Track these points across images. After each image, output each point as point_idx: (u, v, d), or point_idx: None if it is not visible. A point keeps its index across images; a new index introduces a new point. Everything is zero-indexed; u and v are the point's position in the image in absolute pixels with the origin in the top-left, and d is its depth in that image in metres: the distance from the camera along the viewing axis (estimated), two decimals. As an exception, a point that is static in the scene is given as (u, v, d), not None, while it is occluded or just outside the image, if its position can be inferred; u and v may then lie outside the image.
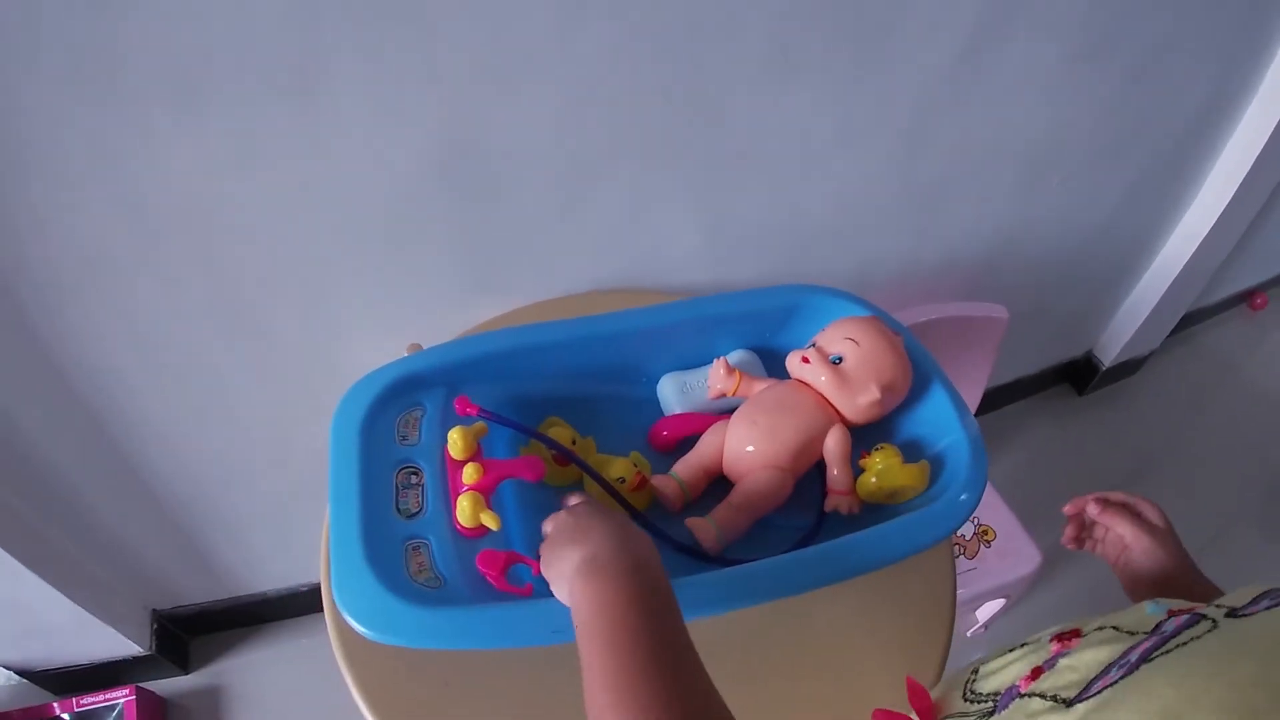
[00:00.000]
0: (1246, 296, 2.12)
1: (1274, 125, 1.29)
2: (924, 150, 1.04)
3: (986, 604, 1.35)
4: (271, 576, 1.29)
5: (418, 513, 0.60)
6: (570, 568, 0.47)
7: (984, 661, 0.51)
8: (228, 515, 1.13)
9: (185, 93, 0.66)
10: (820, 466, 0.69)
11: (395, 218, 0.82)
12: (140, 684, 1.24)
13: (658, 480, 0.67)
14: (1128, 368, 1.91)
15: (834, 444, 0.67)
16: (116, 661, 1.22)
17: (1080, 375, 1.90)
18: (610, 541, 0.48)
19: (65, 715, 1.18)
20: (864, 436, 0.70)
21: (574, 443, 0.70)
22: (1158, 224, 1.52)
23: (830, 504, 0.67)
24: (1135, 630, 0.42)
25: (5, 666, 1.18)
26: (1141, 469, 1.80)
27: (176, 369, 0.90)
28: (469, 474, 0.60)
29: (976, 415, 1.41)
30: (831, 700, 0.67)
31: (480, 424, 0.64)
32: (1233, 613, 0.38)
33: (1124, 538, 0.62)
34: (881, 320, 0.70)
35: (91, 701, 1.19)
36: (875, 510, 0.68)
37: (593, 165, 0.85)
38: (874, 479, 0.65)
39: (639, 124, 0.83)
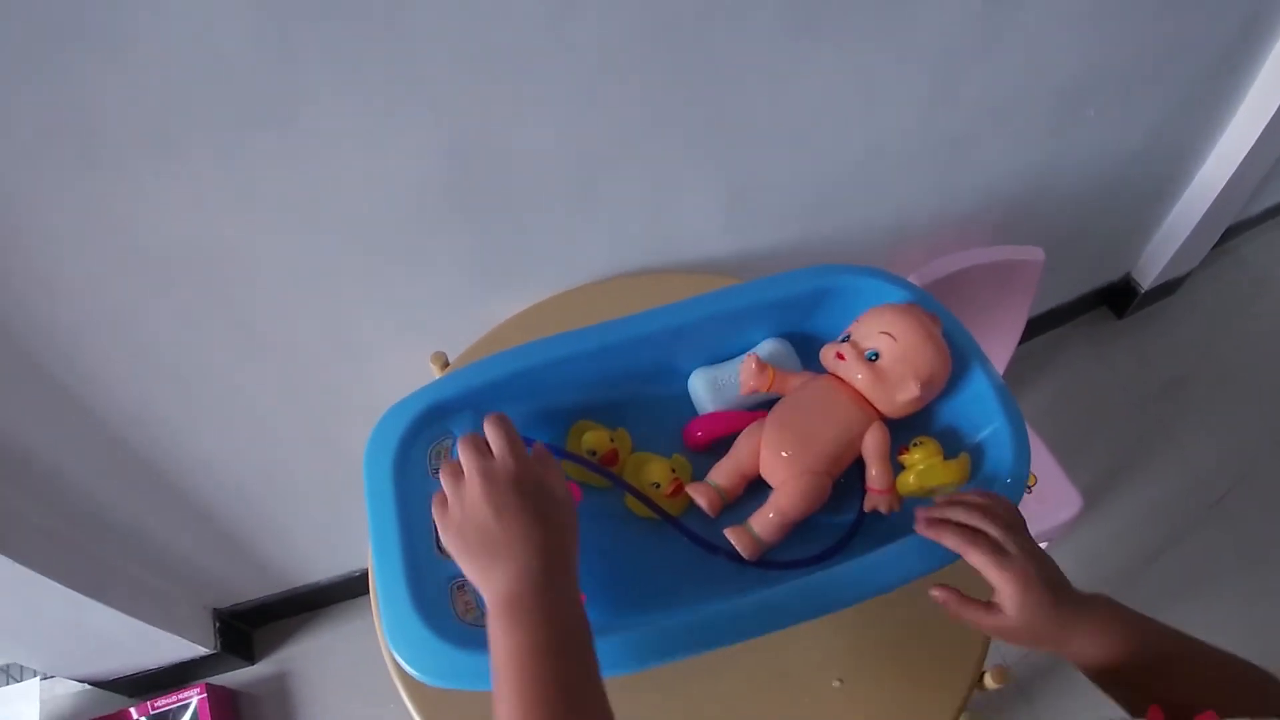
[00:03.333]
0: None
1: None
2: (953, 99, 0.99)
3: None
4: (322, 567, 1.33)
5: (459, 550, 0.60)
6: (489, 593, 0.49)
7: None
8: (275, 520, 1.16)
9: (165, 142, 0.64)
10: (859, 461, 0.68)
11: (402, 231, 0.80)
12: (210, 680, 1.29)
13: (694, 489, 0.66)
14: (1167, 289, 1.86)
15: (872, 443, 0.65)
16: (186, 662, 1.27)
17: (1119, 298, 1.86)
18: (533, 568, 0.48)
19: (143, 718, 1.24)
20: (901, 426, 0.68)
21: (611, 440, 0.69)
22: (1196, 145, 1.45)
23: (870, 503, 0.66)
24: None
25: (79, 679, 1.23)
26: (1177, 394, 1.77)
27: (208, 399, 0.91)
28: (506, 507, 0.59)
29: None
30: (879, 689, 0.68)
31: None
32: None
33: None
34: (919, 308, 0.67)
35: (166, 703, 1.24)
36: (914, 505, 0.66)
37: (604, 151, 0.82)
38: (913, 478, 0.64)
39: (651, 101, 0.79)
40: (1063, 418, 1.71)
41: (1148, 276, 1.77)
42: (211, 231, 0.72)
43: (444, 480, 0.53)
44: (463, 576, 0.59)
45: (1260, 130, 1.37)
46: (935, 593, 0.55)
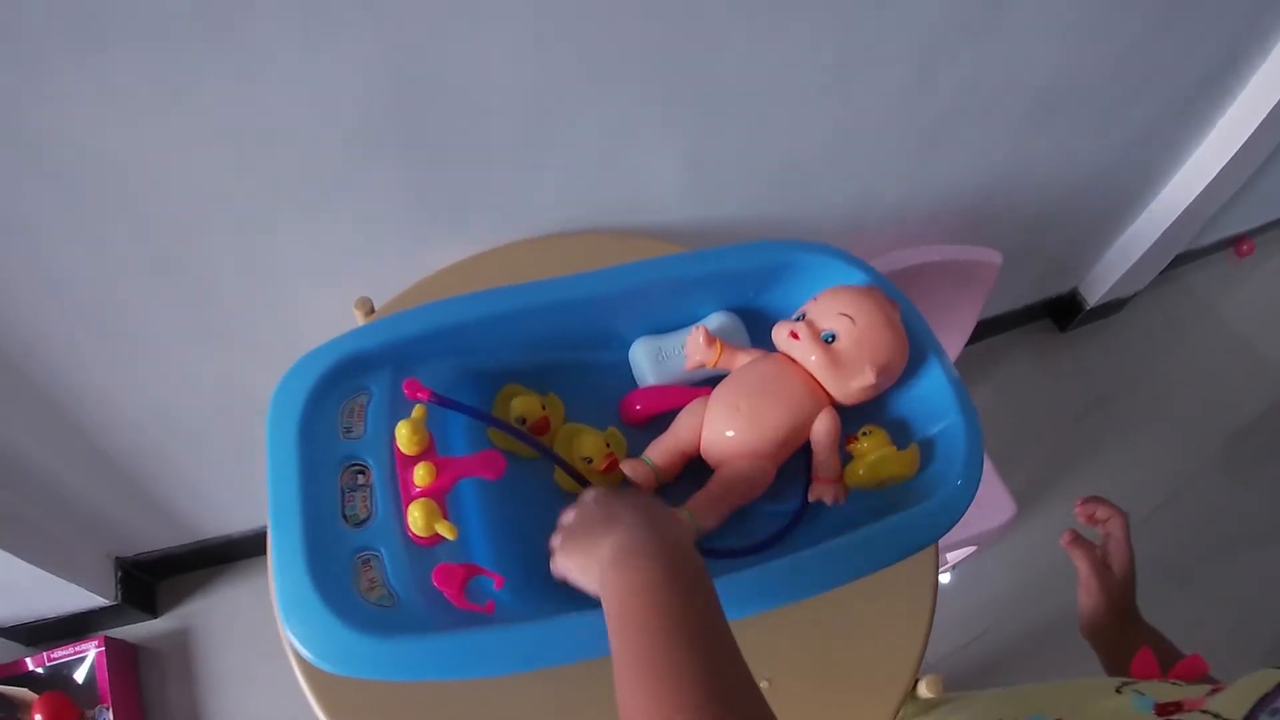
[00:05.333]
0: (1233, 242, 2.12)
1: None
2: (930, 89, 0.96)
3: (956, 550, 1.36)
4: (235, 520, 1.26)
5: (367, 519, 0.55)
6: (601, 556, 0.46)
7: None
8: (182, 466, 1.09)
9: (88, 38, 0.56)
10: (805, 448, 0.64)
11: (337, 160, 0.73)
12: (109, 633, 1.22)
13: (628, 465, 0.62)
14: (1111, 307, 1.90)
15: (822, 430, 0.62)
16: (85, 613, 1.20)
17: (1064, 312, 1.89)
18: (640, 527, 0.46)
19: (38, 669, 1.16)
20: (849, 414, 0.65)
21: (543, 408, 0.64)
22: (1161, 167, 1.47)
23: (815, 493, 0.62)
24: None
25: (-32, 625, 1.15)
26: (1113, 409, 1.82)
27: (110, 328, 0.83)
28: (420, 475, 0.54)
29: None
30: (811, 692, 0.65)
31: (425, 409, 0.58)
32: None
33: (1079, 573, 0.66)
34: (880, 291, 0.63)
35: (62, 654, 1.17)
36: (860, 496, 0.64)
37: (562, 96, 0.75)
38: (864, 470, 0.61)
39: (617, 50, 0.73)
40: (999, 423, 1.73)
41: (1094, 293, 1.79)
42: (124, 137, 0.64)
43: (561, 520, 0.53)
44: (368, 550, 0.54)
45: (1225, 161, 1.39)
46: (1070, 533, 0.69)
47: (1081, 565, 0.66)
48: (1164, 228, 1.55)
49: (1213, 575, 1.61)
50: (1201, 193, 1.46)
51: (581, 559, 0.48)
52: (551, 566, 0.51)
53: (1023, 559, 1.54)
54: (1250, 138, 1.34)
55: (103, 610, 1.21)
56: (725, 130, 0.88)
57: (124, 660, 1.22)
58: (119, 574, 1.22)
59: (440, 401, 0.58)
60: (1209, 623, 1.53)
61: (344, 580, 0.52)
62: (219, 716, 1.24)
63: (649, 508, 0.49)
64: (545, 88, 0.74)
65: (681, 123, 0.84)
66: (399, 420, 0.57)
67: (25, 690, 1.14)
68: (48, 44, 0.56)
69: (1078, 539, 0.67)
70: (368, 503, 0.55)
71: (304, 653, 0.49)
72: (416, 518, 0.53)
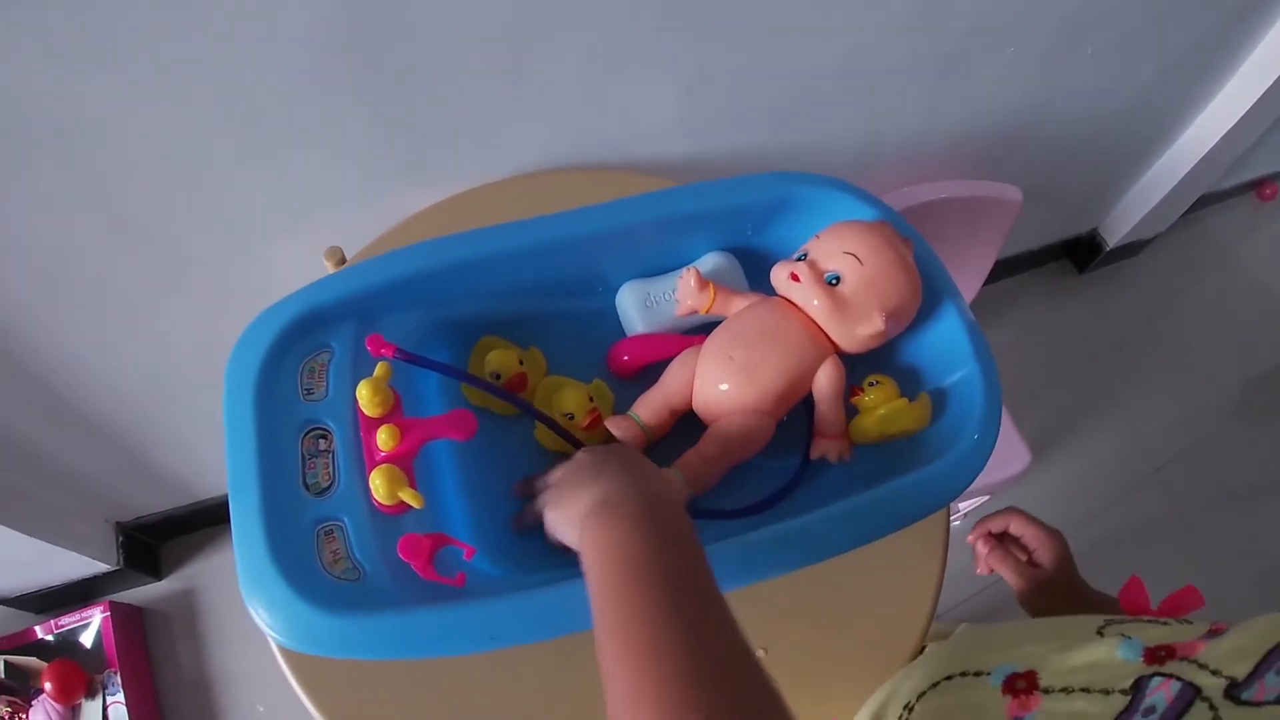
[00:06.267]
0: (1256, 185, 2.03)
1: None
2: (948, 9, 0.88)
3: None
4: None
5: (329, 487, 0.50)
6: (580, 510, 0.44)
7: (914, 690, 0.47)
8: (171, 431, 1.07)
9: None
10: (807, 400, 0.59)
11: (296, 99, 0.67)
12: (114, 598, 1.22)
13: (613, 423, 0.57)
14: (1131, 249, 1.84)
15: (825, 381, 0.56)
16: (89, 579, 1.20)
17: (1083, 253, 1.82)
18: (623, 479, 0.45)
19: (48, 637, 1.16)
20: (855, 361, 0.59)
21: (521, 363, 0.59)
22: (1185, 107, 1.39)
23: (818, 449, 0.57)
24: (1110, 688, 0.36)
25: (-21, 596, 1.15)
26: (1130, 353, 1.77)
27: (83, 295, 0.80)
28: (384, 439, 0.50)
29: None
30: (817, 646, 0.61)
31: (389, 367, 0.53)
32: (1233, 687, 0.31)
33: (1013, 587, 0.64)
34: (889, 227, 0.57)
35: (69, 621, 1.17)
36: (866, 452, 0.58)
37: (540, 15, 0.69)
38: (873, 424, 0.56)
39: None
40: (1013, 367, 1.68)
41: (1114, 235, 1.73)
42: (68, 90, 0.60)
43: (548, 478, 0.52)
44: (331, 520, 0.50)
45: (1251, 103, 1.33)
46: (973, 540, 0.66)
47: (1011, 578, 0.64)
48: (1188, 168, 1.49)
49: (1228, 523, 1.57)
50: (1227, 133, 1.40)
51: (564, 512, 0.46)
52: (545, 525, 0.49)
53: (1037, 506, 1.49)
54: (1275, 82, 1.27)
55: (107, 575, 1.21)
56: (727, 53, 0.81)
57: (130, 624, 1.22)
58: (120, 539, 1.21)
59: (406, 358, 0.53)
60: (1225, 571, 1.51)
61: (306, 553, 0.48)
62: (227, 674, 1.24)
63: (633, 462, 0.47)
64: (517, 8, 0.67)
65: (679, 44, 0.77)
66: (361, 379, 0.52)
67: (34, 659, 1.14)
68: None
69: (991, 554, 0.65)
70: (330, 470, 0.51)
71: (267, 631, 0.46)
72: (379, 485, 0.48)
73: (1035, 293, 1.80)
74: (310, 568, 0.47)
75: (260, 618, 0.46)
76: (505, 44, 0.70)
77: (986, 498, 1.32)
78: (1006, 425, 1.23)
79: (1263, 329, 1.86)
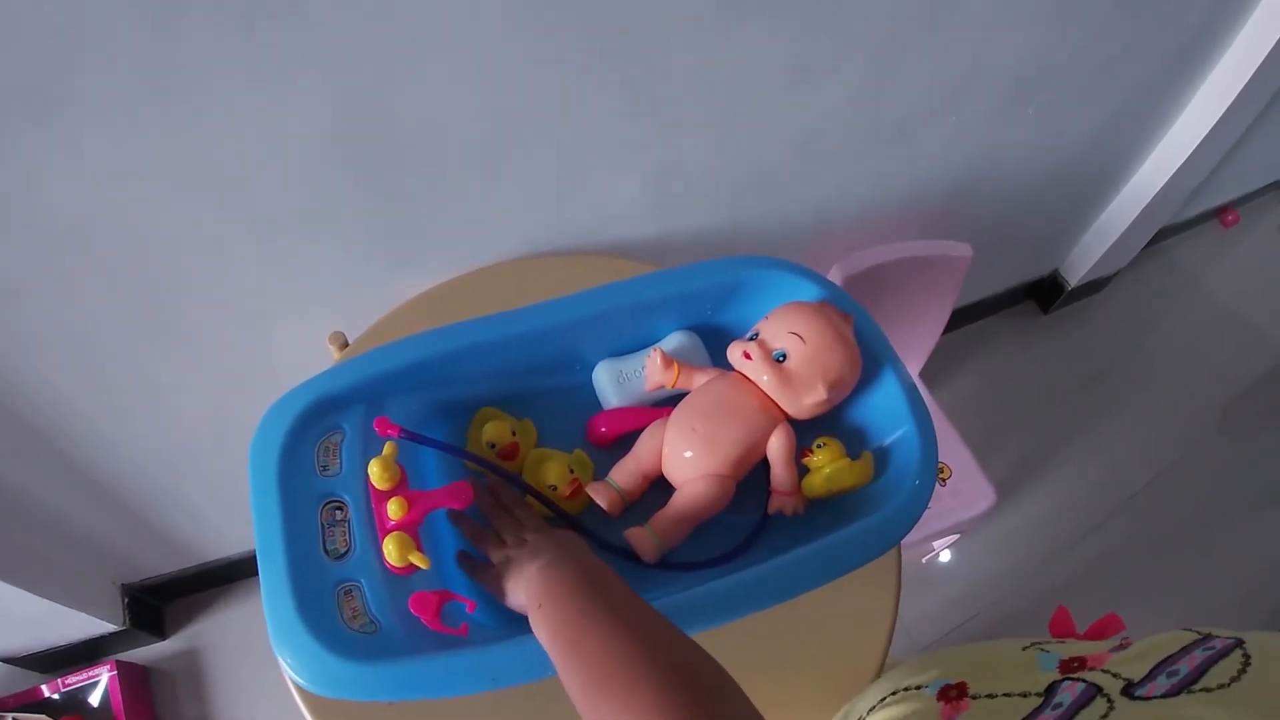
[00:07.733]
0: (1219, 213, 2.09)
1: (1273, 42, 1.22)
2: (891, 83, 0.96)
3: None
4: (232, 542, 1.29)
5: (346, 553, 0.58)
6: (527, 576, 0.54)
7: (866, 706, 0.54)
8: (181, 497, 1.12)
9: (44, 111, 0.59)
10: (765, 461, 0.67)
11: (298, 201, 0.76)
12: (120, 656, 1.25)
13: (593, 489, 0.65)
14: (1094, 286, 1.88)
15: (778, 446, 0.64)
16: (96, 639, 1.24)
17: (1045, 294, 1.87)
18: (558, 552, 0.55)
19: (55, 696, 1.20)
20: (805, 424, 0.67)
21: (514, 433, 0.67)
22: (1136, 147, 1.45)
23: (774, 505, 0.65)
24: (1028, 691, 0.42)
25: (-14, 656, 1.19)
26: (1097, 389, 1.81)
27: (102, 374, 0.87)
28: (393, 510, 0.57)
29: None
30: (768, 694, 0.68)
31: (395, 445, 0.61)
32: (1129, 687, 0.37)
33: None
34: (831, 306, 0.66)
35: (76, 680, 1.20)
36: (819, 504, 0.66)
37: (514, 121, 0.78)
38: (820, 482, 0.64)
39: (565, 71, 0.76)
40: (984, 408, 1.73)
41: (1075, 274, 1.77)
42: (95, 200, 0.67)
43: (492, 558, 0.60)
44: (350, 581, 0.57)
45: (1200, 137, 1.37)
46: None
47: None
48: (1141, 207, 1.53)
49: (1210, 545, 1.60)
50: (1178, 170, 1.44)
51: (513, 581, 0.56)
52: (504, 595, 0.57)
53: (1009, 542, 1.56)
54: (1226, 110, 1.33)
55: (113, 635, 1.25)
56: (683, 144, 0.90)
57: (136, 682, 1.26)
58: (126, 600, 1.25)
59: (409, 437, 0.61)
60: (1209, 592, 1.53)
61: (329, 611, 0.55)
62: (232, 731, 1.28)
63: (562, 539, 0.58)
64: (496, 117, 0.76)
65: (639, 141, 0.86)
66: (372, 457, 0.60)
67: (43, 717, 1.18)
68: (5, 121, 0.59)
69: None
70: (347, 537, 0.58)
71: (295, 678, 0.53)
72: (391, 550, 0.56)
73: (1002, 335, 1.85)
74: (333, 623, 0.54)
75: (288, 668, 0.53)
76: (482, 150, 0.79)
77: (958, 536, 1.39)
78: (971, 466, 1.30)
79: (1233, 353, 1.90)
